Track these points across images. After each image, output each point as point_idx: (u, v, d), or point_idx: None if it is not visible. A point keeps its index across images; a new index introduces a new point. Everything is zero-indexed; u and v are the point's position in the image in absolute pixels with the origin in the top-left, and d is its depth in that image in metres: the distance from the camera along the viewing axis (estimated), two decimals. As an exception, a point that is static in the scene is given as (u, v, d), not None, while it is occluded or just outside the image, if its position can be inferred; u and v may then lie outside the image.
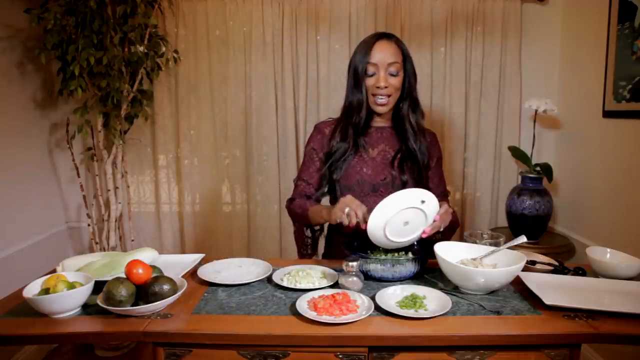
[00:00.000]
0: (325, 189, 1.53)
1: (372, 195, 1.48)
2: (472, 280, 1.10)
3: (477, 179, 2.62)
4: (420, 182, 1.50)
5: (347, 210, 1.25)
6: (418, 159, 1.50)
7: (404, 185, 1.48)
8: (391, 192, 1.42)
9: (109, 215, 2.46)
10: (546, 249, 2.24)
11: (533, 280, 1.16)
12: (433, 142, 1.60)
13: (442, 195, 1.58)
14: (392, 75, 1.42)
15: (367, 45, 1.44)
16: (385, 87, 1.42)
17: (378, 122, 1.54)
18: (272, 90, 2.53)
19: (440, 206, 1.29)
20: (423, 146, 1.52)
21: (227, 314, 1.04)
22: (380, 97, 1.43)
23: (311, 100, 2.55)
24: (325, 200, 1.59)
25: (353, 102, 1.47)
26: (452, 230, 1.51)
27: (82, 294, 1.04)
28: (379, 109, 1.46)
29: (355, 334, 0.95)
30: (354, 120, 1.48)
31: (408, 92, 1.48)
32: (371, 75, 1.43)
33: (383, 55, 1.41)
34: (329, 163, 1.50)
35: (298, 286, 1.16)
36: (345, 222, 1.26)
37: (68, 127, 2.41)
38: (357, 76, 1.45)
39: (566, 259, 2.27)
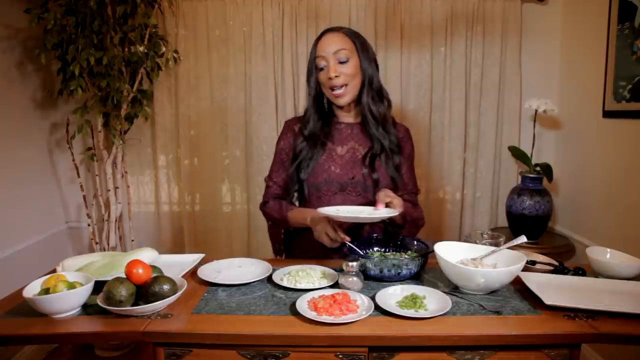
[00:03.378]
0: (294, 187, 1.50)
1: (340, 194, 1.45)
2: (472, 280, 1.10)
3: (477, 179, 2.62)
4: (395, 179, 1.47)
5: (331, 237, 1.30)
6: (387, 152, 1.46)
7: (376, 185, 1.44)
8: (360, 192, 1.45)
9: (109, 215, 2.46)
10: (546, 249, 2.24)
11: (533, 280, 1.16)
12: (406, 137, 1.55)
13: (411, 193, 1.55)
14: (341, 62, 1.38)
15: (315, 43, 1.43)
16: (337, 77, 1.38)
17: (346, 118, 1.51)
18: (272, 90, 2.53)
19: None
20: (392, 137, 1.48)
21: (227, 314, 1.04)
22: (336, 88, 1.39)
23: (311, 100, 2.55)
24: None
25: (309, 97, 1.47)
26: (415, 226, 1.51)
27: (82, 294, 1.03)
28: (338, 100, 1.42)
29: (355, 334, 0.95)
30: (308, 115, 1.47)
31: (368, 81, 1.43)
32: (322, 69, 1.40)
33: (328, 46, 1.39)
34: (297, 162, 1.47)
35: (298, 286, 1.16)
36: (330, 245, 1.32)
37: (68, 127, 2.41)
38: (309, 73, 1.44)
39: (566, 259, 2.28)
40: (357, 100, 1.47)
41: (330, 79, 1.38)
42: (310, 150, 1.46)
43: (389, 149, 1.47)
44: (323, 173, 1.45)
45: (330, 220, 1.31)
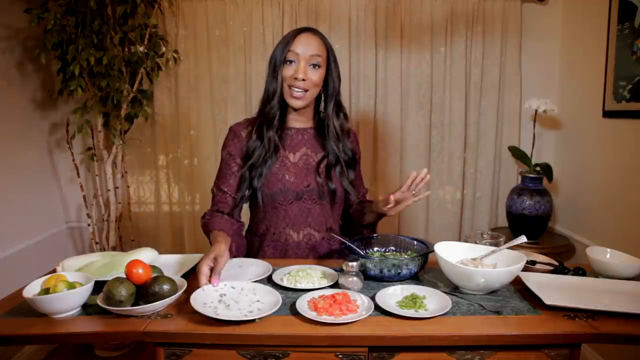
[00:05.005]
0: (246, 193, 1.42)
1: (296, 202, 1.41)
2: (472, 280, 1.10)
3: (477, 179, 2.62)
4: (348, 191, 1.46)
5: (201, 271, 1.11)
6: (343, 163, 1.44)
7: (333, 195, 1.42)
8: (316, 199, 1.42)
9: (109, 215, 2.46)
10: (546, 249, 2.24)
11: (533, 280, 1.16)
12: (355, 144, 1.54)
13: (364, 195, 1.59)
14: (313, 67, 1.34)
15: (289, 37, 1.36)
16: (303, 80, 1.33)
17: (298, 123, 1.46)
18: (272, 90, 2.53)
19: (366, 206, 1.45)
20: (347, 150, 1.47)
21: (227, 314, 1.03)
22: (296, 89, 1.34)
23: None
24: (245, 207, 1.52)
25: (268, 93, 1.38)
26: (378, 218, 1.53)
27: (82, 294, 1.03)
28: (294, 102, 1.37)
29: (355, 334, 0.95)
30: (267, 111, 1.38)
31: (332, 94, 1.41)
32: (290, 63, 1.35)
33: (305, 46, 1.34)
34: (249, 165, 1.39)
35: (298, 286, 1.16)
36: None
37: (68, 127, 2.41)
38: (275, 66, 1.36)
39: (566, 259, 2.28)
40: (315, 108, 1.45)
41: (295, 78, 1.33)
42: (264, 154, 1.38)
43: (344, 162, 1.45)
44: (277, 182, 1.40)
45: (213, 261, 1.14)
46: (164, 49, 2.41)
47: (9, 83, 2.26)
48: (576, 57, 2.44)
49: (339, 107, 1.45)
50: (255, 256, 1.46)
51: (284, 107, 1.42)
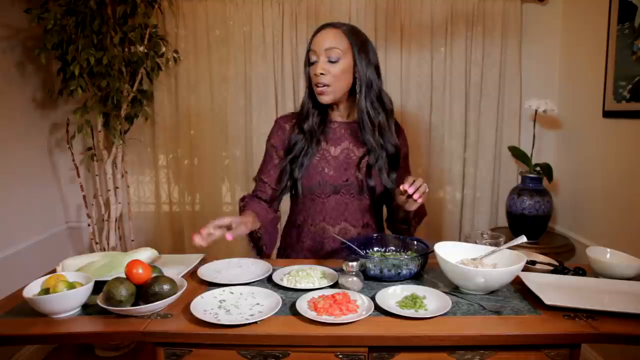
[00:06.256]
0: (286, 185, 1.45)
1: (333, 196, 1.42)
2: (472, 280, 1.10)
3: (477, 179, 2.62)
4: (388, 183, 1.44)
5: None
6: (383, 159, 1.42)
7: (371, 192, 1.42)
8: (355, 194, 1.42)
9: (109, 215, 2.46)
10: (546, 249, 2.24)
11: (533, 280, 1.16)
12: (402, 140, 1.51)
13: None
14: (330, 62, 1.33)
15: (311, 37, 1.38)
16: (322, 74, 1.33)
17: (339, 117, 1.46)
18: (272, 91, 2.53)
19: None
20: (390, 145, 1.43)
21: (227, 314, 1.03)
22: (318, 85, 1.35)
23: (311, 100, 2.55)
24: (286, 198, 1.54)
25: (305, 92, 1.44)
26: (421, 220, 1.52)
27: (82, 294, 1.03)
28: (320, 98, 1.37)
29: (355, 334, 0.95)
30: (304, 109, 1.43)
31: (366, 85, 1.37)
32: (313, 63, 1.36)
33: (322, 41, 1.34)
34: (290, 159, 1.42)
35: (298, 286, 1.16)
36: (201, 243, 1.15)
37: (68, 127, 2.41)
38: (305, 65, 1.41)
39: (566, 259, 2.28)
40: (353, 100, 1.42)
41: (315, 75, 1.34)
42: (305, 146, 1.41)
43: (385, 158, 1.43)
44: (316, 175, 1.41)
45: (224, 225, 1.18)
46: (164, 49, 2.41)
47: (9, 83, 2.26)
48: (576, 57, 2.44)
49: (374, 99, 1.39)
50: (294, 247, 1.49)
51: (315, 103, 1.43)
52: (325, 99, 1.37)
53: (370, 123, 1.40)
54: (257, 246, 1.47)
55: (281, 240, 1.60)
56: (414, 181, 1.21)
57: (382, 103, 1.42)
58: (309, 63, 1.39)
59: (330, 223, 1.44)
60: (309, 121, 1.43)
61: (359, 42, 1.37)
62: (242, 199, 1.49)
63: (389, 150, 1.43)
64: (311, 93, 1.42)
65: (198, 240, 1.14)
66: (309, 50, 1.38)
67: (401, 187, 1.21)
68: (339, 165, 1.43)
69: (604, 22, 2.11)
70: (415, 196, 1.20)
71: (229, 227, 1.17)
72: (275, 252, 1.59)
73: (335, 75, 1.34)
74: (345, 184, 1.42)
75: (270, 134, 1.50)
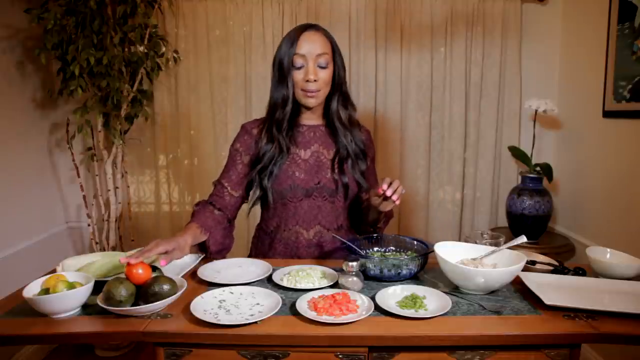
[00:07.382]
0: (258, 195, 1.44)
1: (306, 200, 1.41)
2: (472, 280, 1.10)
3: (477, 179, 2.62)
4: (360, 183, 1.44)
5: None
6: (352, 158, 1.42)
7: (346, 189, 1.42)
8: (327, 196, 1.41)
9: (109, 215, 2.46)
10: (546, 249, 2.24)
11: (533, 280, 1.16)
12: (369, 141, 1.53)
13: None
14: (321, 67, 1.33)
15: (293, 37, 1.33)
16: (315, 81, 1.32)
17: (309, 120, 1.45)
18: (272, 90, 2.53)
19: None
20: (358, 141, 1.44)
21: (227, 314, 1.03)
22: (308, 91, 1.34)
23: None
24: (256, 209, 1.52)
25: (278, 98, 1.37)
26: (387, 221, 1.52)
27: (82, 294, 1.03)
28: (309, 101, 1.36)
29: (355, 334, 0.95)
30: (277, 117, 1.38)
31: (338, 86, 1.39)
32: (299, 68, 1.33)
33: (311, 46, 1.32)
34: (259, 168, 1.39)
35: (298, 286, 1.15)
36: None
37: (68, 127, 2.41)
38: (282, 70, 1.34)
39: (566, 259, 2.28)
40: (325, 104, 1.43)
41: (307, 81, 1.32)
42: (275, 154, 1.38)
43: (354, 155, 1.44)
44: (287, 179, 1.39)
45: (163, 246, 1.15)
46: (164, 49, 2.41)
47: (9, 83, 2.26)
48: (576, 57, 2.44)
49: (345, 98, 1.43)
50: (266, 254, 1.47)
51: (296, 106, 1.41)
52: (314, 102, 1.37)
53: (341, 123, 1.42)
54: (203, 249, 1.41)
55: (251, 248, 1.58)
56: (391, 182, 1.21)
57: (349, 102, 1.45)
58: (292, 67, 1.34)
59: (304, 227, 1.43)
60: (284, 131, 1.39)
61: (336, 45, 1.40)
62: (197, 204, 1.46)
63: (357, 145, 1.45)
64: (291, 97, 1.37)
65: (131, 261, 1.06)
66: (293, 54, 1.33)
67: (379, 189, 1.21)
68: (309, 169, 1.41)
69: (604, 22, 2.11)
70: (394, 197, 1.20)
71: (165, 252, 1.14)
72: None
73: (324, 80, 1.35)
74: (317, 186, 1.41)
75: (235, 138, 1.47)
